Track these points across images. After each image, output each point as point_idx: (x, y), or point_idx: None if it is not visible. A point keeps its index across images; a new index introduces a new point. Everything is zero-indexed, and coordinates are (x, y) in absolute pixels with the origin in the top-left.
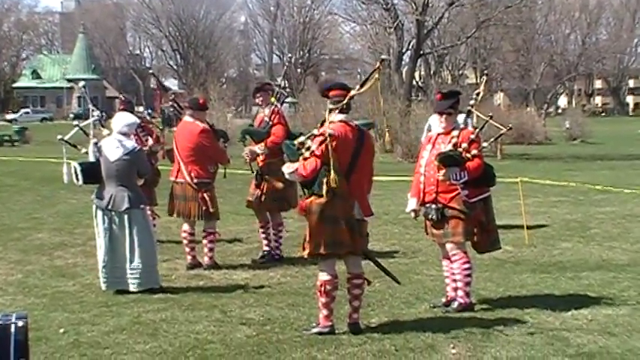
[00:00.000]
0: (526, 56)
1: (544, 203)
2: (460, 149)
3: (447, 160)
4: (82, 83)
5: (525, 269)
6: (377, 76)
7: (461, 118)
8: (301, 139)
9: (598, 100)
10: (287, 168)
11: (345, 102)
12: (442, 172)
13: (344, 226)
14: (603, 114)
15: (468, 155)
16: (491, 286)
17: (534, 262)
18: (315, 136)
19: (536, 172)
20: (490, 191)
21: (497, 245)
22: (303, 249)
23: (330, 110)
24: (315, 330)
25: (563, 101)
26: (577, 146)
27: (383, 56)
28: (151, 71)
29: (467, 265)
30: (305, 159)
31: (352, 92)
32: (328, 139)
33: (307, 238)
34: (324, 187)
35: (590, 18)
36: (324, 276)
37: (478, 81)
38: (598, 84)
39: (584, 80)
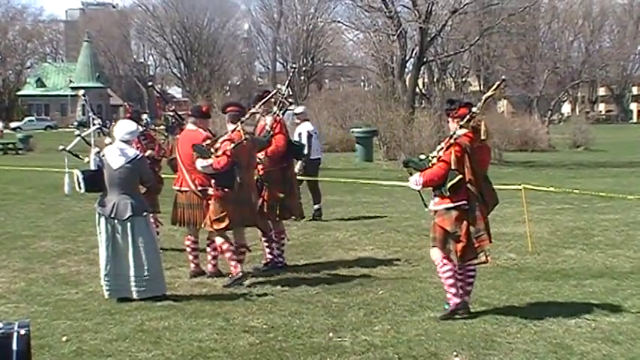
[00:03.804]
0: (529, 63)
1: (547, 210)
2: (431, 155)
3: (412, 165)
4: (82, 92)
5: (529, 277)
6: (276, 99)
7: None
8: (208, 142)
9: (602, 107)
10: (200, 162)
11: (247, 117)
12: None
13: (247, 207)
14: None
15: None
16: (495, 293)
17: (537, 269)
18: (224, 140)
19: (539, 179)
20: (466, 202)
21: (471, 257)
22: (211, 225)
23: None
24: (231, 281)
25: (566, 108)
26: (580, 153)
27: (278, 86)
28: (150, 83)
29: (443, 269)
30: (217, 157)
31: (252, 110)
32: (245, 142)
33: (213, 217)
34: (237, 180)
35: (593, 25)
36: (219, 240)
37: (482, 88)
38: (601, 91)
39: (588, 87)
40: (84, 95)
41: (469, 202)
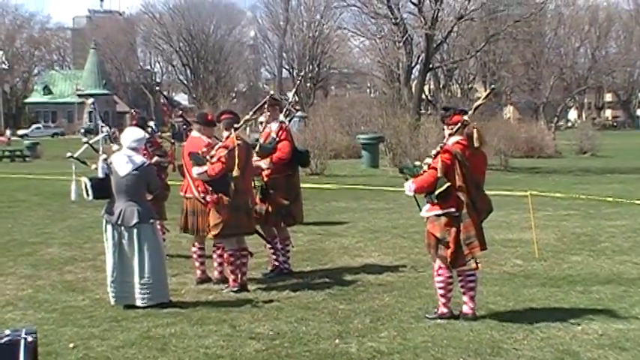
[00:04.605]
0: (535, 70)
1: (554, 217)
2: (425, 162)
3: (406, 172)
4: (90, 100)
5: (535, 283)
6: (266, 105)
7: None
8: (204, 149)
9: (608, 113)
10: (196, 169)
11: (241, 125)
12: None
13: (243, 213)
14: None
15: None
16: (501, 300)
17: (544, 275)
18: (220, 147)
19: (546, 186)
20: (455, 209)
21: (461, 263)
22: (210, 232)
23: (226, 129)
24: (227, 290)
25: (573, 115)
26: (587, 159)
27: (271, 92)
28: (157, 88)
29: (437, 279)
30: (212, 164)
31: (246, 117)
32: (237, 149)
33: (212, 224)
34: (232, 186)
35: (599, 31)
36: (227, 252)
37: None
38: (608, 97)
39: (594, 93)
40: (93, 103)
41: (458, 210)
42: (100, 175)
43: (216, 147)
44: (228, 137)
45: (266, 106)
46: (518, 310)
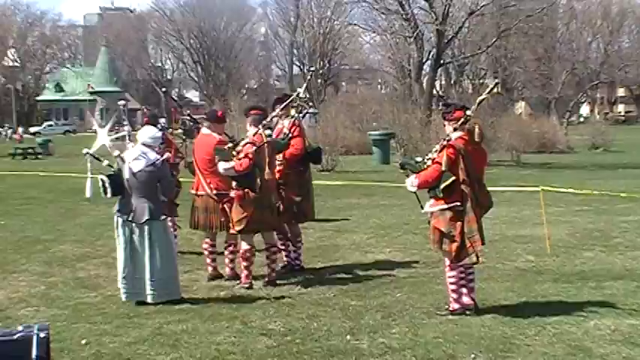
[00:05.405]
0: (547, 65)
1: (566, 212)
2: (427, 158)
3: (408, 167)
4: (122, 102)
5: (547, 279)
6: (294, 103)
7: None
8: (230, 144)
9: (621, 108)
10: (222, 165)
11: (268, 120)
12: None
13: (267, 209)
14: None
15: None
16: (513, 295)
17: (556, 271)
18: (246, 143)
19: (558, 181)
20: (460, 203)
21: (464, 256)
22: (233, 227)
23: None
24: (239, 285)
25: (585, 110)
26: (599, 155)
27: (299, 89)
28: (164, 89)
29: (448, 274)
30: (239, 159)
31: (273, 113)
32: (266, 145)
33: (236, 219)
34: (258, 182)
35: (612, 26)
36: (245, 245)
37: (499, 90)
38: (621, 92)
39: (607, 88)
40: (123, 106)
41: (463, 203)
42: (126, 175)
43: (243, 142)
44: (256, 133)
45: (280, 103)
46: (530, 306)
